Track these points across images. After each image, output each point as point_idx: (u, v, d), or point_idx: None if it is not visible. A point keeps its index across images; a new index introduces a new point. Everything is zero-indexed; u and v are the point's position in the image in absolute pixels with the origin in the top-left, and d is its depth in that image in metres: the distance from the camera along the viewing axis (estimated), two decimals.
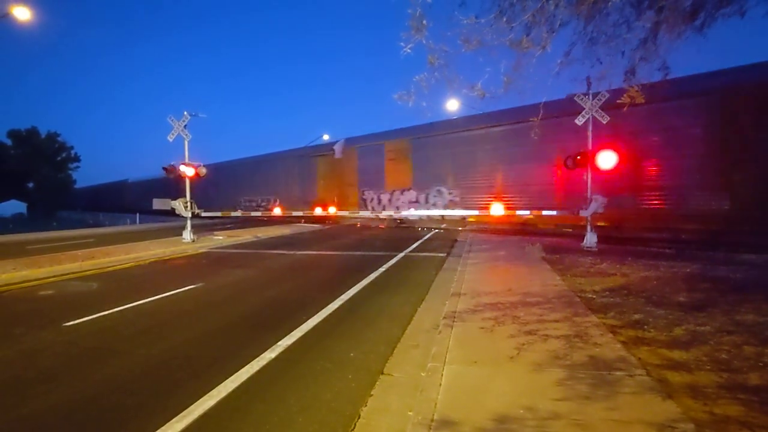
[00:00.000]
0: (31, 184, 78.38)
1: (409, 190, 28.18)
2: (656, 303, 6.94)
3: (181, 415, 3.99)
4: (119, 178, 67.63)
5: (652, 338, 5.39)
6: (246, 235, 21.70)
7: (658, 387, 3.98)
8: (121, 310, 7.74)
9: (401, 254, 14.46)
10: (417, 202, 27.57)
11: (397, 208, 28.30)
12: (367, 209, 30.13)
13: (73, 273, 11.67)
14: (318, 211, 22.63)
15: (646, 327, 5.79)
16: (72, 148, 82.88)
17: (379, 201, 30.00)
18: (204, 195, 41.19)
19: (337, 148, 32.78)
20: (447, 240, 18.82)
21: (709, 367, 4.44)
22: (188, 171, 19.00)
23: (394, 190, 29.10)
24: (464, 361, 4.84)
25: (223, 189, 42.12)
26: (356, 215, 29.97)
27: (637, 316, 6.27)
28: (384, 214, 27.80)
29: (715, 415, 3.50)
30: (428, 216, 26.29)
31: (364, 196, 31.07)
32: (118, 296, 8.75)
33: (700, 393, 3.88)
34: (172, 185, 23.56)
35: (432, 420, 3.58)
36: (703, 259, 11.20)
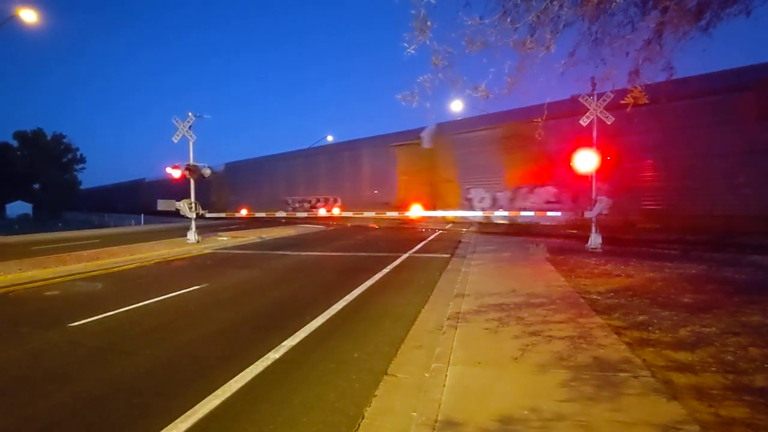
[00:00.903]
0: (36, 186, 78.76)
1: (543, 186, 21.28)
2: (661, 304, 6.91)
3: (186, 414, 4.01)
4: (128, 179, 67.55)
5: (657, 339, 5.36)
6: (250, 236, 21.75)
7: (663, 388, 3.96)
8: (126, 311, 7.78)
9: (405, 255, 14.45)
10: (557, 202, 20.76)
11: (523, 208, 21.57)
12: (473, 209, 24.19)
13: (78, 273, 11.73)
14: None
15: (651, 328, 5.77)
16: (77, 149, 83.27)
17: (494, 200, 23.71)
18: (235, 193, 39.40)
19: (425, 135, 26.83)
20: (451, 241, 18.79)
21: (714, 369, 4.41)
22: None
23: (518, 186, 22.50)
24: (468, 362, 4.84)
25: (261, 187, 38.61)
26: (454, 217, 25.12)
27: (642, 318, 6.24)
28: (497, 215, 22.12)
29: (721, 416, 3.48)
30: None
31: (469, 195, 24.75)
32: (124, 297, 8.79)
33: (706, 394, 3.86)
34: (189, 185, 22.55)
35: (436, 421, 3.58)
36: (708, 261, 11.14)
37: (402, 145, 28.51)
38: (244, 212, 23.82)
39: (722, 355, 4.74)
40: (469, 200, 24.78)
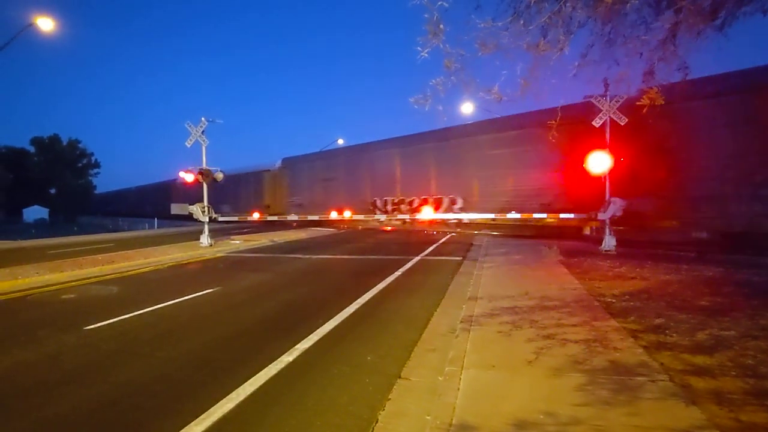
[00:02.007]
0: (53, 190, 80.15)
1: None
2: (678, 307, 6.81)
3: (200, 417, 4.03)
4: (142, 183, 68.02)
5: (675, 343, 5.28)
6: (262, 240, 21.87)
7: (681, 393, 3.90)
8: (140, 314, 7.86)
9: (417, 258, 14.43)
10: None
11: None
12: None
13: (93, 277, 11.89)
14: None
15: (667, 331, 5.69)
16: (92, 154, 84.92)
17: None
18: (296, 193, 35.02)
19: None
20: (463, 244, 18.72)
21: (734, 373, 4.33)
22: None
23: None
24: (482, 366, 4.81)
25: (335, 186, 32.43)
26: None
27: (658, 321, 6.16)
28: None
29: (742, 422, 3.42)
30: None
31: None
32: (138, 300, 8.88)
33: (726, 399, 3.79)
34: (218, 188, 21.72)
35: (450, 425, 3.56)
36: (725, 263, 10.97)
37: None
38: (256, 216, 24.06)
39: (742, 359, 4.66)
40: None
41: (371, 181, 30.08)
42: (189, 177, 19.43)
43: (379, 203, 28.90)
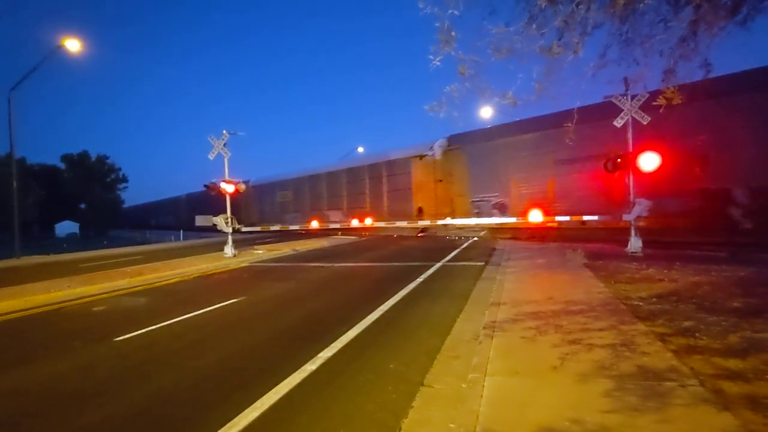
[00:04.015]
0: (83, 205, 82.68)
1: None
2: (708, 309, 6.63)
3: (226, 426, 4.10)
4: (167, 196, 69.38)
5: (705, 346, 5.14)
6: (285, 249, 22.09)
7: (713, 398, 3.80)
8: (169, 324, 8.03)
9: (438, 264, 14.37)
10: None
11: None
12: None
13: (123, 289, 12.20)
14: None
15: (698, 335, 5.53)
16: (120, 169, 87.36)
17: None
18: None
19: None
20: (485, 248, 18.56)
21: None
22: (228, 188, 19.52)
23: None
24: (506, 372, 4.76)
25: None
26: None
27: (687, 324, 6.00)
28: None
29: None
30: None
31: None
32: (166, 311, 9.08)
33: (760, 404, 3.67)
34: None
35: None
36: (757, 262, 10.62)
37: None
38: (277, 226, 24.36)
39: None
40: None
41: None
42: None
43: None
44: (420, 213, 27.49)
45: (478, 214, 24.06)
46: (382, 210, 30.45)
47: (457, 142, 26.14)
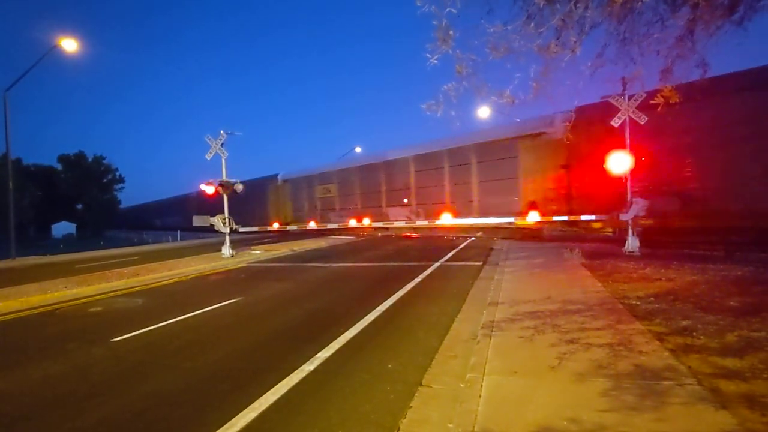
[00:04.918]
0: (79, 206, 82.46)
1: None
2: (705, 308, 6.64)
3: (224, 427, 4.08)
4: (164, 197, 68.90)
5: (703, 345, 5.15)
6: (283, 249, 22.06)
7: (710, 397, 3.80)
8: (165, 325, 8.00)
9: (436, 264, 14.37)
10: None
11: None
12: None
13: (119, 290, 12.15)
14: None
15: (695, 334, 5.54)
16: (117, 169, 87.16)
17: None
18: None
19: None
20: (483, 248, 18.57)
21: (766, 376, 4.20)
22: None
23: None
24: (504, 372, 4.76)
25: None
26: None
27: (685, 323, 6.01)
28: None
29: None
30: None
31: None
32: (163, 311, 9.04)
33: (758, 403, 3.68)
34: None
35: None
36: (754, 262, 10.65)
37: None
38: (276, 226, 24.33)
39: None
40: None
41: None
42: (209, 189, 19.67)
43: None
44: (532, 206, 20.80)
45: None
46: (470, 204, 25.20)
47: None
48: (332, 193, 35.32)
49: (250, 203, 39.80)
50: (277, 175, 41.32)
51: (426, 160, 28.07)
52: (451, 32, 4.98)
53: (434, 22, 4.95)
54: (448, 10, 4.82)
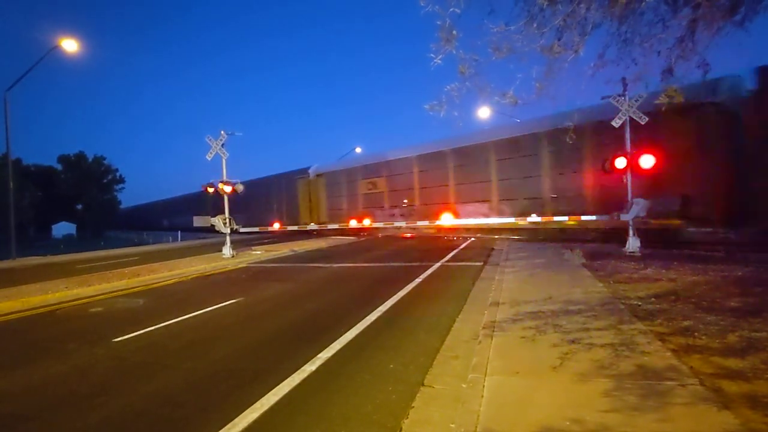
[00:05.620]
0: (80, 206, 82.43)
1: None
2: (707, 309, 6.64)
3: (226, 427, 4.08)
4: (164, 197, 68.50)
5: (704, 346, 5.15)
6: (283, 249, 22.06)
7: (712, 397, 3.80)
8: (166, 325, 8.00)
9: (437, 264, 14.36)
10: None
11: None
12: None
13: (120, 290, 12.15)
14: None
15: (697, 334, 5.54)
16: (117, 170, 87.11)
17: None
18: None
19: None
20: (484, 249, 18.56)
21: None
22: (226, 188, 19.54)
23: None
24: (506, 372, 4.76)
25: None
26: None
27: (686, 323, 6.01)
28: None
29: None
30: None
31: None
32: (164, 312, 9.04)
33: (760, 403, 3.68)
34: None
35: None
36: (756, 262, 10.65)
37: None
38: (276, 226, 24.33)
39: None
40: None
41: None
42: (214, 190, 19.69)
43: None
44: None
45: None
46: (584, 200, 19.18)
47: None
48: (380, 189, 30.75)
49: (271, 201, 39.62)
50: (308, 168, 37.36)
51: (514, 145, 22.70)
52: (454, 32, 4.98)
53: (438, 22, 4.95)
54: (451, 10, 4.82)
